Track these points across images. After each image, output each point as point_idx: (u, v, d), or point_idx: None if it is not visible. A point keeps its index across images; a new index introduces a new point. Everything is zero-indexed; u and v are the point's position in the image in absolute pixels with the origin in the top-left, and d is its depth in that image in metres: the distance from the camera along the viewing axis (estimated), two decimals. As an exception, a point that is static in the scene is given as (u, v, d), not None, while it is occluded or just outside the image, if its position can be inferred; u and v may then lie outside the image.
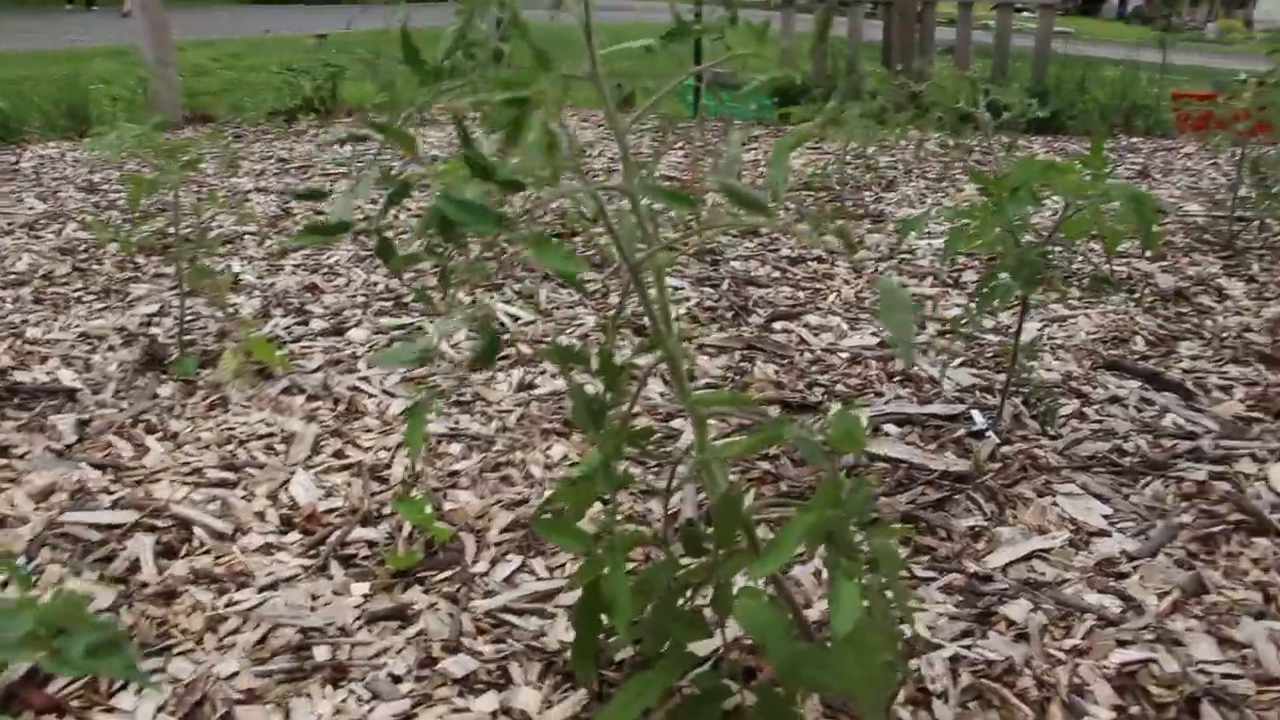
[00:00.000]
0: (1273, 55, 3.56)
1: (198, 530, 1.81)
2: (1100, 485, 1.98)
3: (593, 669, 1.35)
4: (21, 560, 1.71)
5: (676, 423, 2.20)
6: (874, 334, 2.73)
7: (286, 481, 1.98)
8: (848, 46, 7.18)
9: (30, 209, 4.06)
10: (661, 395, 2.32)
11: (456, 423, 2.21)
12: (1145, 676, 1.45)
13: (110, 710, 1.39)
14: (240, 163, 4.85)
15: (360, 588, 1.66)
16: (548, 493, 1.91)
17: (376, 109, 1.12)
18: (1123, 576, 1.70)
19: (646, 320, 1.19)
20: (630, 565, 1.64)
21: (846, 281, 3.20)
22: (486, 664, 1.48)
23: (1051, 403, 2.23)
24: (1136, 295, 3.12)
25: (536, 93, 1.00)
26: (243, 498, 1.92)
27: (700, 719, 1.23)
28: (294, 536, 1.81)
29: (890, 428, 2.20)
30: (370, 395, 2.35)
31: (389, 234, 1.13)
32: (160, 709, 1.39)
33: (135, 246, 3.29)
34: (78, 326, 2.76)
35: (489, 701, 1.41)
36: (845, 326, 2.79)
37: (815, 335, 2.73)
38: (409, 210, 3.62)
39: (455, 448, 2.10)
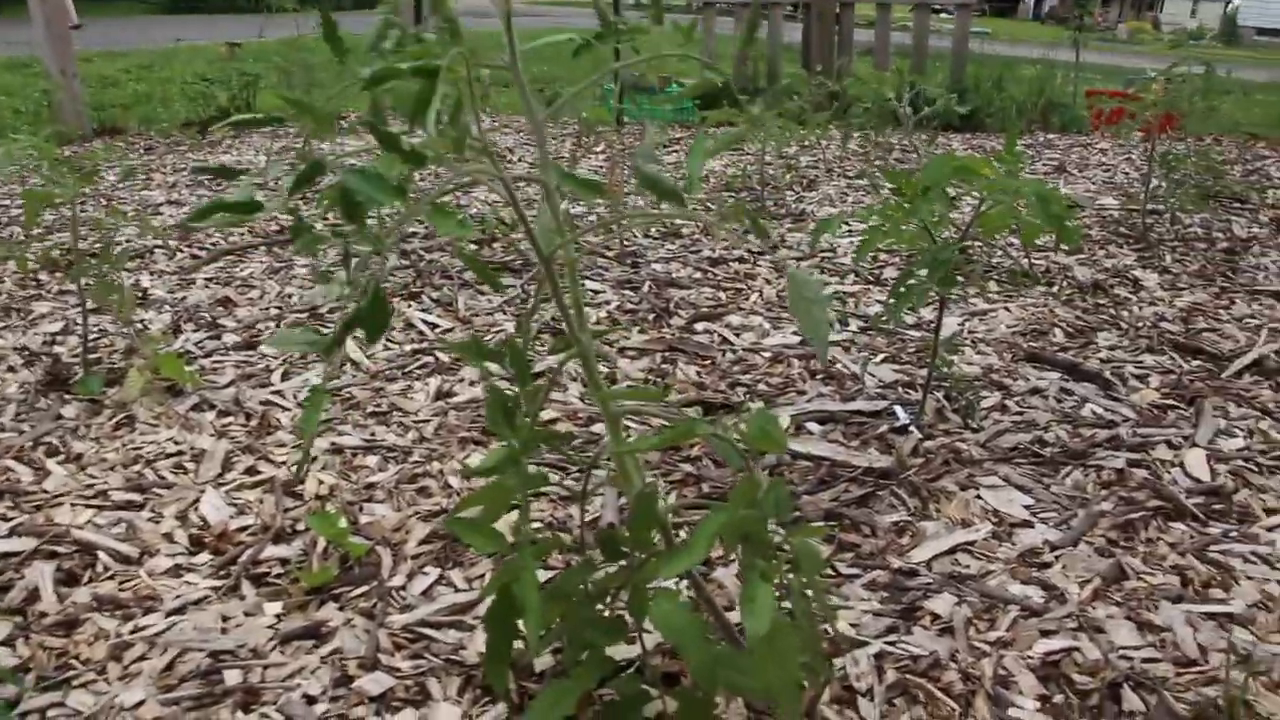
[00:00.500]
0: (1173, 53, 3.63)
1: (102, 555, 1.73)
2: (1022, 476, 1.99)
3: (506, 677, 1.32)
4: (-88, 592, 1.63)
5: (598, 427, 2.17)
6: (795, 333, 2.72)
7: (196, 501, 1.91)
8: (768, 48, 7.21)
9: (-71, 227, 3.91)
10: (583, 400, 2.29)
11: (373, 434, 2.16)
12: (1068, 665, 1.45)
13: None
14: (152, 175, 4.73)
15: (273, 607, 1.61)
16: (467, 502, 1.87)
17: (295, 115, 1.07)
18: (1045, 566, 1.71)
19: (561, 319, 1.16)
20: (553, 572, 1.61)
21: (768, 281, 3.20)
22: (404, 680, 1.44)
23: (973, 396, 2.24)
24: (1055, 288, 3.15)
25: (446, 64, 0.96)
26: (150, 519, 1.85)
27: (621, 727, 1.21)
28: (204, 557, 1.75)
29: (813, 426, 2.19)
30: (284, 409, 2.28)
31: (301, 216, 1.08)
32: (58, 743, 1.33)
33: (36, 264, 3.18)
34: (-23, 347, 2.66)
35: (407, 719, 1.37)
36: (767, 326, 2.78)
37: (737, 335, 2.72)
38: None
39: (372, 460, 2.05)
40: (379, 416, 2.25)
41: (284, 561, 1.73)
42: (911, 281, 1.96)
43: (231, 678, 1.45)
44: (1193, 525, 1.82)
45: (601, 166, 4.98)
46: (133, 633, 1.54)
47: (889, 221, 1.87)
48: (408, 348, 2.62)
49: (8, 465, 2.03)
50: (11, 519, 1.84)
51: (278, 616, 1.59)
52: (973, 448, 2.09)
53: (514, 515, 1.17)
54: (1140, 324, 2.83)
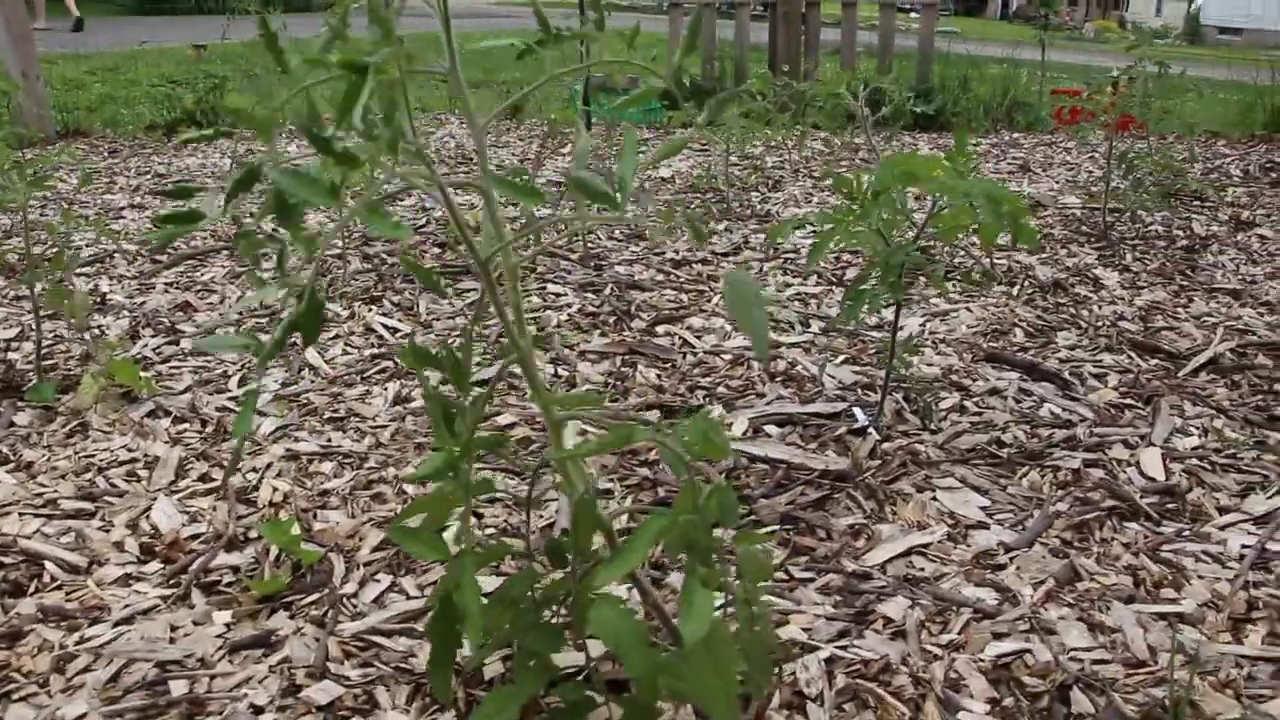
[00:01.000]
0: (1132, 52, 3.67)
1: (49, 565, 1.71)
2: (979, 478, 1.99)
3: (449, 685, 1.31)
4: None
5: (557, 431, 2.16)
6: (758, 334, 2.72)
7: (148, 509, 1.89)
8: (735, 49, 7.21)
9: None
10: (542, 404, 2.28)
11: (329, 440, 2.14)
12: (1019, 667, 1.46)
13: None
14: (115, 179, 4.68)
15: (223, 616, 1.59)
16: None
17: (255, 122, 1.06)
18: (999, 568, 1.71)
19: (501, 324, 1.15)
20: (501, 580, 1.60)
21: (732, 283, 3.19)
22: (352, 689, 1.43)
23: (931, 398, 2.25)
24: (1016, 288, 3.17)
25: (375, 61, 0.95)
26: (100, 528, 1.83)
27: (566, 733, 1.20)
28: (154, 566, 1.73)
29: (771, 428, 2.18)
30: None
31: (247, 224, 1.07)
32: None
33: (-10, 268, 3.14)
34: (-71, 354, 2.62)
35: (354, 729, 1.36)
36: (728, 328, 2.78)
37: (698, 338, 2.72)
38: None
39: (327, 466, 2.04)
40: (336, 422, 2.23)
41: (235, 569, 1.71)
42: (864, 286, 1.96)
43: (177, 688, 1.43)
44: (1147, 525, 1.83)
45: (568, 166, 4.96)
46: (78, 644, 1.52)
47: (838, 226, 1.86)
48: (367, 352, 2.60)
49: (-45, 474, 2.00)
50: (-43, 529, 1.81)
51: (227, 625, 1.57)
52: (930, 449, 2.09)
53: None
54: (1100, 323, 2.85)
